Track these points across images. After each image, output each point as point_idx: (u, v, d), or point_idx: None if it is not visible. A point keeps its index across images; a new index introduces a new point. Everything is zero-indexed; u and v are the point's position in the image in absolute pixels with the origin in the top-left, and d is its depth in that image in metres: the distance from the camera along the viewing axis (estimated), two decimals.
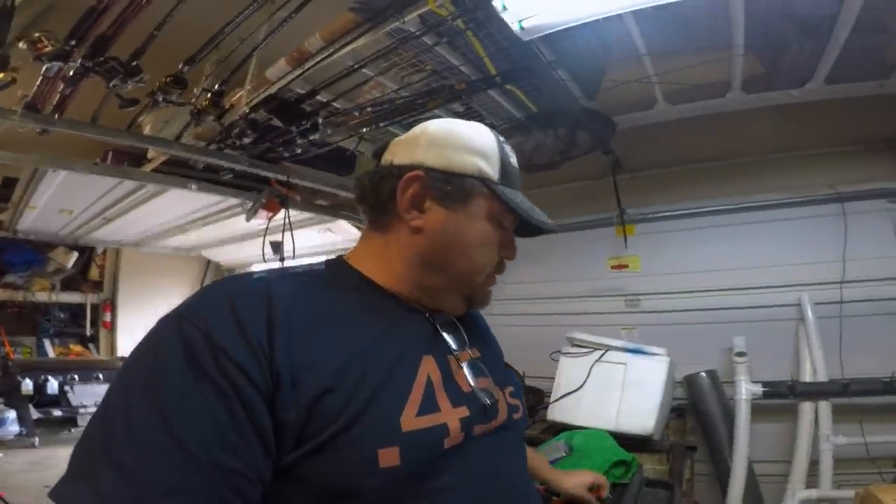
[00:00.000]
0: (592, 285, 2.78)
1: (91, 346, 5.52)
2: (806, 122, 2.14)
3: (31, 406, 4.10)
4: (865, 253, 2.17)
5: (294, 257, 2.49)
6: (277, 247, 2.69)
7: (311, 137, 2.04)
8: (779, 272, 2.32)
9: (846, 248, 2.18)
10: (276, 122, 1.98)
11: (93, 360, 5.12)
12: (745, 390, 2.18)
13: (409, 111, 1.85)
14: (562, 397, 2.08)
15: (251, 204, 2.60)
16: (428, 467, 0.57)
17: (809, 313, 2.20)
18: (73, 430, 4.26)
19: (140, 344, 0.54)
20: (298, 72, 1.64)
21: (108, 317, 5.59)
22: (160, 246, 4.79)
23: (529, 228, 0.75)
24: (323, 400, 0.53)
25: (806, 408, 2.13)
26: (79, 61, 1.51)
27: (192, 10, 1.43)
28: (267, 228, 2.65)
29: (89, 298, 5.57)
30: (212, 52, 1.64)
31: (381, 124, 1.95)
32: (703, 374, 2.34)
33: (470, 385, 0.66)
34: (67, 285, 5.46)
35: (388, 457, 0.54)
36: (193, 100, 1.78)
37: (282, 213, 2.53)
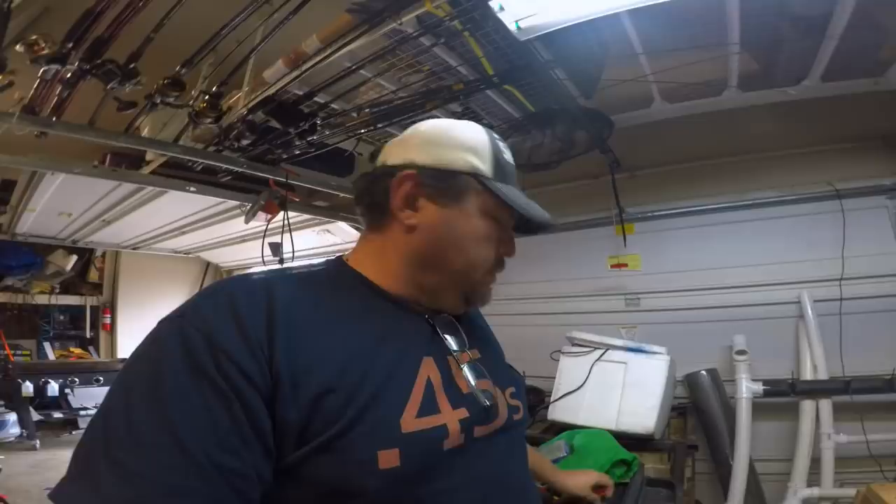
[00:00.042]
0: (592, 284, 2.78)
1: (91, 348, 5.53)
2: (803, 120, 2.14)
3: (31, 408, 4.11)
4: (864, 250, 2.17)
5: (293, 259, 2.49)
6: (276, 248, 2.68)
7: (310, 139, 2.04)
8: (778, 270, 2.32)
9: (845, 245, 2.18)
10: (275, 124, 1.98)
11: (93, 362, 5.13)
12: (746, 388, 2.18)
13: (408, 112, 1.85)
14: (562, 397, 2.08)
15: (250, 206, 2.60)
16: (428, 469, 0.57)
17: (809, 311, 2.20)
18: (73, 432, 4.28)
19: (141, 345, 0.54)
20: (296, 73, 1.64)
21: (107, 319, 5.60)
22: (159, 248, 4.78)
23: (530, 226, 0.75)
24: (323, 401, 0.53)
25: (807, 406, 2.13)
26: (76, 64, 1.51)
27: (188, 13, 1.42)
28: (266, 230, 2.65)
29: (89, 301, 5.58)
30: (209, 55, 1.64)
31: (380, 125, 1.95)
32: (704, 372, 2.34)
33: (469, 386, 0.66)
34: (67, 288, 5.46)
35: (388, 458, 0.54)
36: (191, 102, 1.78)
37: (281, 214, 2.53)
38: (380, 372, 0.58)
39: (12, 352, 4.71)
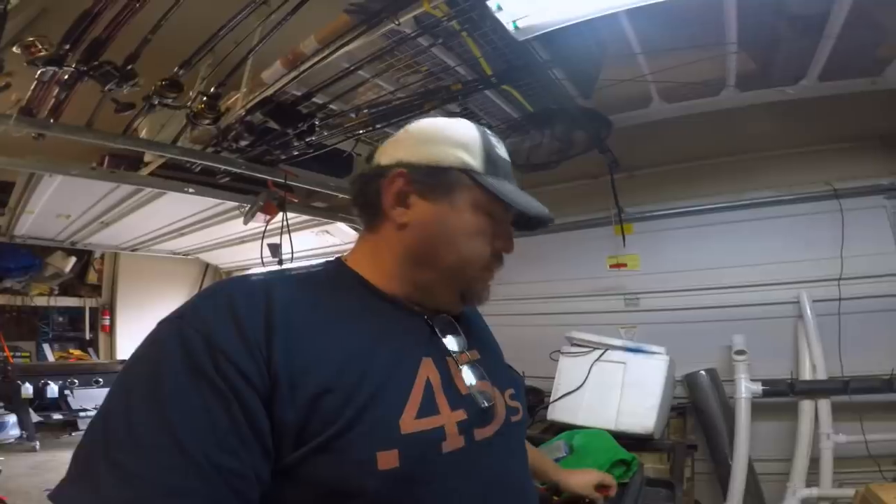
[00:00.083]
0: (591, 284, 2.78)
1: (90, 350, 5.52)
2: (801, 119, 2.14)
3: (31, 410, 4.12)
4: (863, 249, 2.17)
5: (292, 260, 2.49)
6: (276, 249, 2.69)
7: (308, 140, 2.04)
8: (777, 270, 2.32)
9: (844, 245, 2.18)
10: (273, 125, 1.98)
11: (92, 363, 5.13)
12: (745, 388, 2.18)
13: (406, 113, 1.85)
14: (562, 397, 2.08)
15: (249, 207, 2.60)
16: (427, 470, 0.57)
17: (808, 311, 2.20)
18: (73, 433, 4.28)
19: (140, 346, 0.55)
20: (294, 74, 1.64)
21: (106, 321, 5.60)
22: (158, 249, 4.77)
23: (530, 222, 0.74)
24: (321, 401, 0.53)
25: (806, 406, 2.13)
26: (73, 65, 1.51)
27: (186, 14, 1.42)
28: (265, 231, 2.65)
29: (88, 302, 5.58)
30: (207, 56, 1.63)
31: (378, 126, 1.95)
32: (703, 372, 2.34)
33: (467, 388, 0.66)
34: (66, 290, 5.47)
35: (388, 459, 0.54)
36: (189, 103, 1.78)
37: (279, 215, 2.52)
38: (379, 372, 0.58)
39: (11, 353, 4.71)
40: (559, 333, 2.32)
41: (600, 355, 2.10)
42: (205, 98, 1.76)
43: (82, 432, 0.52)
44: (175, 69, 1.65)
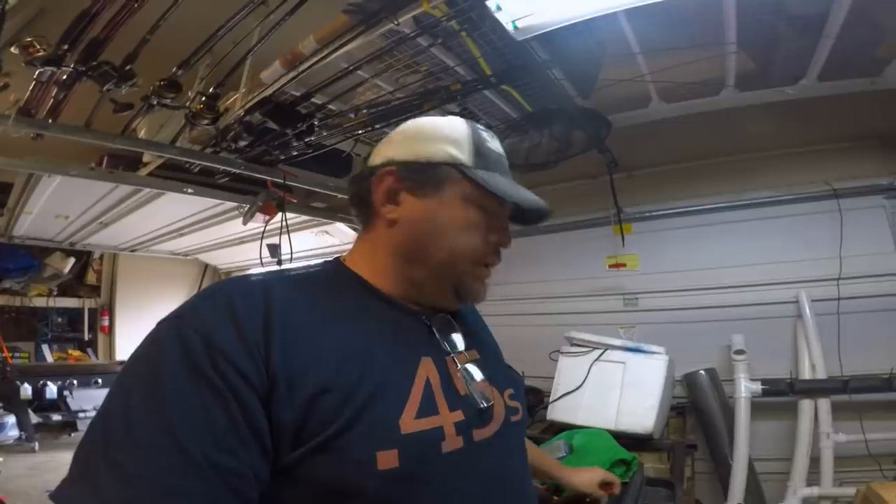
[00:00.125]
0: (590, 284, 2.78)
1: (89, 350, 5.52)
2: (800, 119, 2.14)
3: (30, 411, 4.12)
4: (862, 249, 2.18)
5: (291, 260, 2.49)
6: (275, 250, 2.68)
7: (307, 140, 2.04)
8: (776, 269, 2.33)
9: (843, 245, 2.19)
10: (272, 125, 1.97)
11: (92, 364, 5.13)
12: (745, 388, 2.19)
13: (405, 113, 1.85)
14: (561, 397, 2.08)
15: (248, 207, 2.60)
16: (426, 470, 0.57)
17: (807, 310, 2.20)
18: (72, 434, 4.28)
19: (140, 346, 0.55)
20: (293, 74, 1.63)
21: (105, 321, 5.59)
22: (157, 250, 4.77)
23: (527, 214, 0.74)
24: (318, 401, 0.53)
25: (805, 405, 2.13)
26: (72, 66, 1.50)
27: (184, 14, 1.42)
28: (264, 231, 2.65)
29: (87, 303, 5.58)
30: (205, 56, 1.63)
31: (377, 126, 1.94)
32: (703, 372, 2.34)
33: (466, 388, 0.66)
34: (65, 290, 5.46)
35: (387, 459, 0.54)
36: (188, 103, 1.77)
37: (279, 216, 2.52)
38: (378, 372, 0.58)
39: (10, 354, 4.71)
40: (558, 333, 2.32)
41: (600, 355, 2.10)
42: (203, 98, 1.75)
43: (81, 433, 0.52)
44: (174, 69, 1.64)
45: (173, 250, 4.86)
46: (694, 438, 2.13)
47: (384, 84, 1.83)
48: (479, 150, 0.70)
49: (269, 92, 1.74)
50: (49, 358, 5.20)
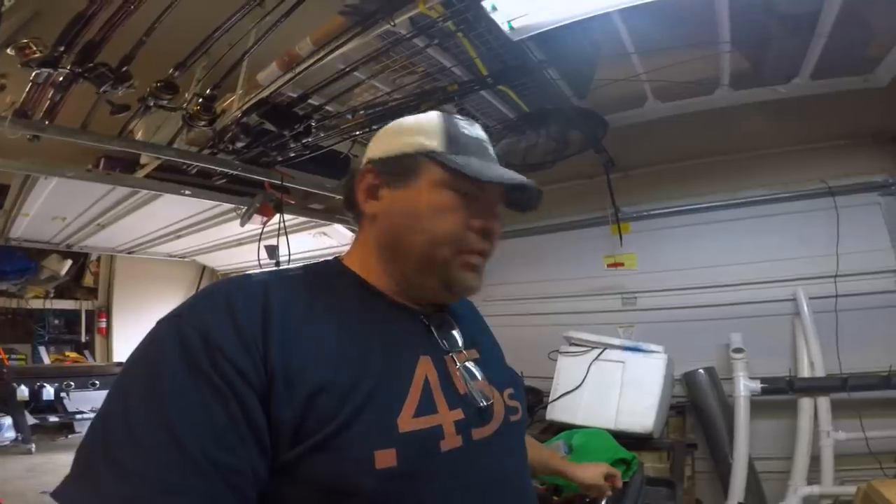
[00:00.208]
0: (589, 284, 2.78)
1: (86, 352, 5.50)
2: (794, 118, 2.15)
3: (27, 412, 4.11)
4: (858, 246, 2.19)
5: (289, 261, 2.49)
6: (273, 251, 2.68)
7: (304, 141, 2.03)
8: (773, 267, 2.33)
9: (839, 242, 2.19)
10: (269, 127, 1.97)
11: (89, 366, 5.12)
12: (744, 387, 2.19)
13: (402, 114, 1.84)
14: (560, 397, 2.08)
15: (245, 209, 2.59)
16: (425, 469, 0.57)
17: (805, 308, 2.21)
18: (69, 436, 4.28)
19: (139, 345, 0.55)
20: (290, 76, 1.63)
21: (103, 323, 5.58)
22: (154, 252, 4.76)
23: (521, 199, 0.74)
24: (317, 399, 0.53)
25: (805, 404, 2.13)
26: (68, 67, 1.50)
27: (180, 15, 1.42)
28: (262, 233, 2.65)
29: (84, 305, 5.57)
30: (202, 57, 1.63)
31: (375, 127, 1.94)
32: (702, 370, 2.34)
33: (465, 386, 0.66)
34: (62, 293, 5.45)
35: (385, 458, 0.54)
36: (185, 105, 1.77)
37: (276, 217, 2.52)
38: (376, 371, 0.58)
39: (7, 356, 4.69)
40: (557, 333, 2.32)
41: (599, 354, 2.10)
42: (200, 100, 1.75)
43: (78, 435, 0.52)
44: (170, 71, 1.64)
45: (171, 252, 4.85)
46: (694, 437, 2.13)
47: (381, 85, 1.83)
48: (451, 136, 0.70)
49: (265, 93, 1.74)
50: (46, 360, 5.19)
